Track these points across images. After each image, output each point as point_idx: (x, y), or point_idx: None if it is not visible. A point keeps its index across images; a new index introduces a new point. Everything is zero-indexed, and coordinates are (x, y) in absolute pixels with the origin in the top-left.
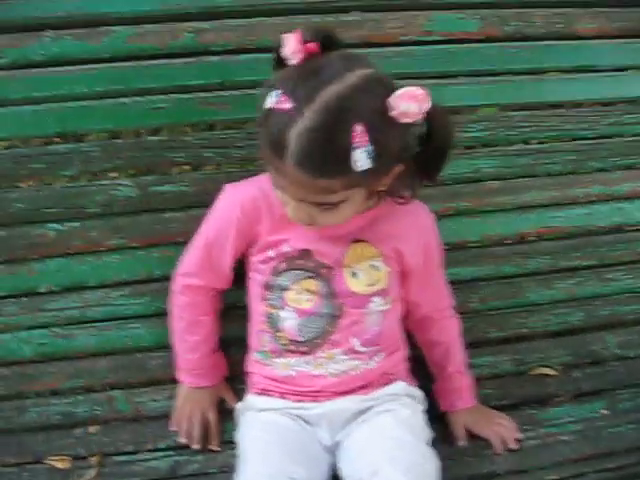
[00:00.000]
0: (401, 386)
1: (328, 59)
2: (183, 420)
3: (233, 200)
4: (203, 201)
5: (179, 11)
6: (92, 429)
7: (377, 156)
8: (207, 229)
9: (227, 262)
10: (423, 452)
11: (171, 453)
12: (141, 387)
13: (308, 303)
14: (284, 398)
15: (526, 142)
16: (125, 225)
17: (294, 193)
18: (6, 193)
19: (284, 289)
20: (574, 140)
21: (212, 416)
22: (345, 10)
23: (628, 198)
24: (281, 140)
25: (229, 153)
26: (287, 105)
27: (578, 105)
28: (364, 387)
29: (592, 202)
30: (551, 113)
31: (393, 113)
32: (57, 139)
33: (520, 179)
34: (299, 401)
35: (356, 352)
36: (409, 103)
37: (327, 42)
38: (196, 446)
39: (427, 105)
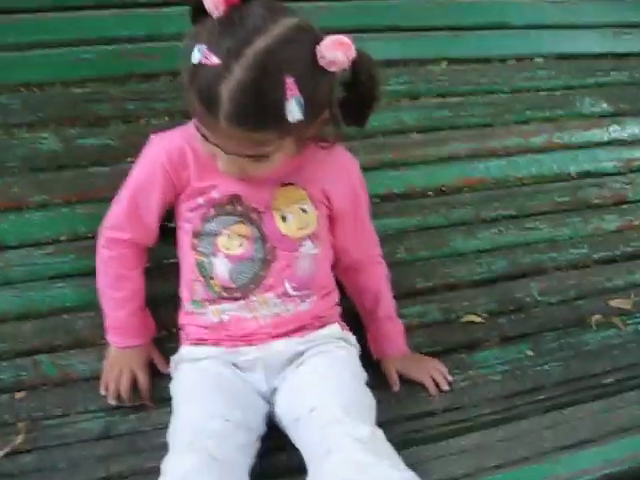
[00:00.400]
0: (335, 329)
1: (251, 9)
2: (111, 382)
3: (158, 149)
4: (129, 155)
5: None
6: (18, 395)
7: (308, 105)
8: (133, 179)
9: (153, 213)
10: (361, 389)
11: (102, 415)
12: (68, 350)
13: (239, 248)
14: (218, 345)
15: (444, 95)
16: (48, 180)
17: (227, 147)
18: None
19: (215, 235)
20: (491, 94)
21: (142, 376)
22: None
23: (544, 150)
24: (212, 97)
25: (155, 106)
26: (215, 60)
27: (494, 60)
28: (298, 330)
29: (510, 154)
30: (468, 67)
31: (321, 62)
32: None
33: (441, 131)
34: (234, 346)
35: (289, 295)
36: (336, 52)
37: None
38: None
39: (353, 53)
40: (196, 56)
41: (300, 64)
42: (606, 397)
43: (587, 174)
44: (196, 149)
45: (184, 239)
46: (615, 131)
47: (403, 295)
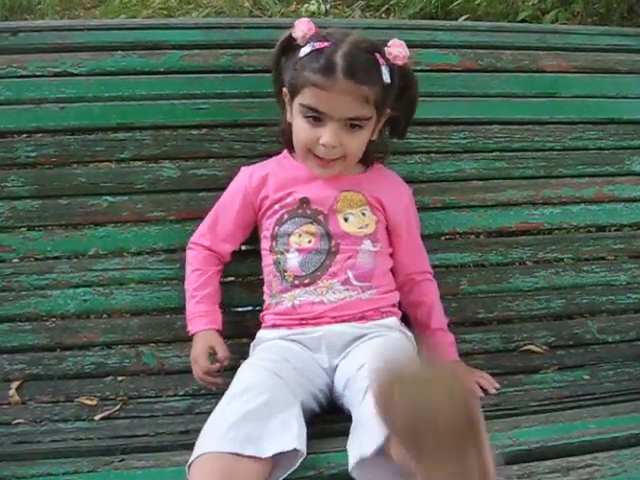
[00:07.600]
0: (394, 321)
1: (329, 31)
2: (200, 374)
3: (244, 174)
4: None
5: (220, 41)
6: (120, 378)
7: (391, 76)
8: (220, 199)
9: (231, 228)
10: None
11: (189, 397)
12: (167, 344)
13: (308, 243)
14: (290, 329)
15: (501, 150)
16: (166, 201)
17: (337, 110)
18: (72, 169)
19: (288, 235)
20: (543, 151)
21: (218, 348)
22: None
23: (595, 202)
24: (330, 63)
25: (254, 146)
26: (326, 43)
27: (545, 123)
28: (360, 318)
29: (563, 203)
30: (522, 128)
31: (389, 56)
32: (117, 129)
33: (499, 180)
34: (303, 327)
35: (351, 284)
36: (399, 48)
37: None
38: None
39: (408, 51)
40: (306, 50)
41: (380, 50)
42: None
43: None
44: (276, 170)
45: (265, 246)
46: None
47: (465, 323)
